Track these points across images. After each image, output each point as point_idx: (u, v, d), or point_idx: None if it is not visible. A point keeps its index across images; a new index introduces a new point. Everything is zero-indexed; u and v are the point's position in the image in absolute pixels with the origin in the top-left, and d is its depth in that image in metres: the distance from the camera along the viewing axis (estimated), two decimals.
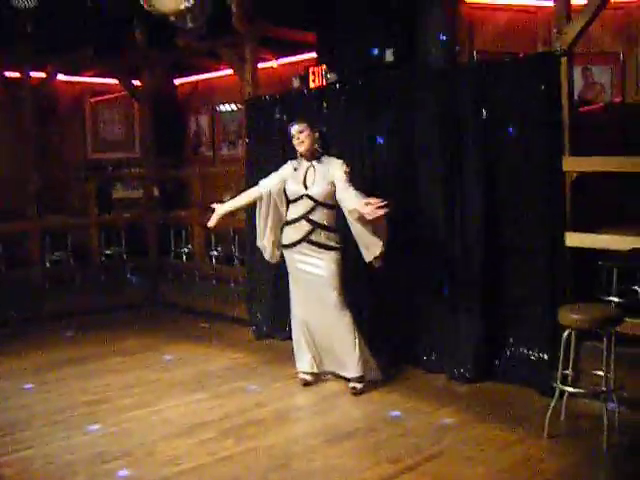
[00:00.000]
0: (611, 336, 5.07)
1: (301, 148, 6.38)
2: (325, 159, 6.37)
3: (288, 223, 6.42)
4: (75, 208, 11.56)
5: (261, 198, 6.53)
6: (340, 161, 6.32)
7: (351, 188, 6.11)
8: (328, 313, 6.29)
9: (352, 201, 6.04)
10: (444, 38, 7.49)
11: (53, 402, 6.30)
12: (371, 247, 6.15)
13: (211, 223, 6.84)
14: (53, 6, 8.89)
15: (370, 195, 6.00)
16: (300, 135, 6.35)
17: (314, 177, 6.33)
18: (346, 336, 6.26)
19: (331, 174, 6.23)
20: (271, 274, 8.04)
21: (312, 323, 6.45)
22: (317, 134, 6.41)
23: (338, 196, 6.19)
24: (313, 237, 6.30)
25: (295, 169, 6.44)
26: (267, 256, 6.67)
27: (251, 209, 7.35)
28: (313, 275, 6.33)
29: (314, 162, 6.37)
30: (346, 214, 6.15)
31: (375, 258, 6.17)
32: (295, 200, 6.38)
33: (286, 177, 6.46)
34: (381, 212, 5.79)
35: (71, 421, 5.82)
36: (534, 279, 6.20)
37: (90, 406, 6.16)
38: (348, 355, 6.28)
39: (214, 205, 6.76)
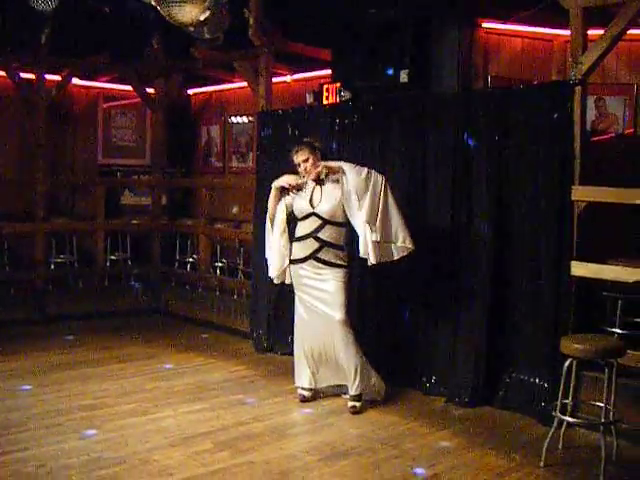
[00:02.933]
0: (612, 367, 5.05)
1: (309, 177, 6.37)
2: (331, 176, 6.36)
3: (297, 240, 6.41)
4: (82, 212, 11.57)
5: (280, 210, 6.50)
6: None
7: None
8: (332, 331, 6.26)
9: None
10: (459, 62, 7.51)
11: (50, 405, 6.29)
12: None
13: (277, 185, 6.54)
14: (71, 10, 8.94)
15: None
16: (306, 164, 6.36)
17: (320, 195, 6.33)
18: (349, 355, 6.23)
19: (340, 191, 6.21)
20: (275, 289, 8.03)
21: (315, 340, 6.42)
22: (319, 153, 6.42)
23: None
24: (320, 255, 6.29)
25: (299, 189, 6.44)
26: (273, 274, 6.59)
27: (259, 226, 7.41)
28: (319, 291, 6.31)
29: (320, 180, 6.38)
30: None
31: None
32: (303, 218, 6.38)
33: (290, 200, 6.47)
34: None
35: (67, 425, 5.80)
36: (538, 307, 6.18)
37: (87, 411, 6.15)
38: (349, 373, 6.26)
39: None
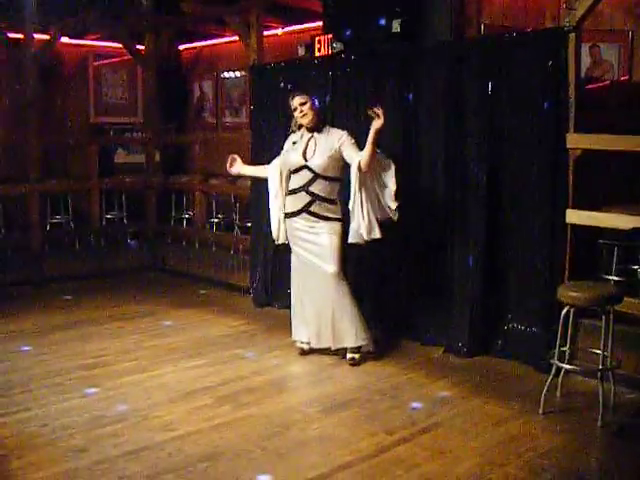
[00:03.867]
0: (609, 315, 5.08)
1: (305, 120, 6.33)
2: (326, 130, 6.34)
3: (290, 193, 6.40)
4: (76, 172, 11.52)
5: (271, 176, 6.56)
6: (344, 132, 6.28)
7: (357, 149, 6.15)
8: (326, 283, 6.27)
9: (358, 155, 6.07)
10: (452, 10, 7.42)
11: (50, 365, 6.32)
12: (389, 202, 6.16)
13: (233, 171, 6.81)
14: None
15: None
16: (303, 107, 6.30)
17: (314, 149, 6.29)
18: (344, 306, 6.25)
19: (334, 145, 6.20)
20: (272, 243, 8.03)
21: (311, 294, 6.43)
22: (317, 108, 6.38)
23: (346, 159, 6.17)
24: (313, 208, 6.27)
25: (294, 142, 6.42)
26: (274, 234, 6.66)
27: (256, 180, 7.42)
28: (313, 245, 6.31)
29: (315, 134, 6.34)
30: (354, 175, 6.06)
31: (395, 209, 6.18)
32: (296, 171, 6.36)
33: (284, 158, 6.49)
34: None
35: (68, 384, 5.84)
36: (534, 255, 6.19)
37: (87, 370, 6.18)
38: (346, 325, 6.27)
39: (236, 158, 6.77)
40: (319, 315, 6.41)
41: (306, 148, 6.32)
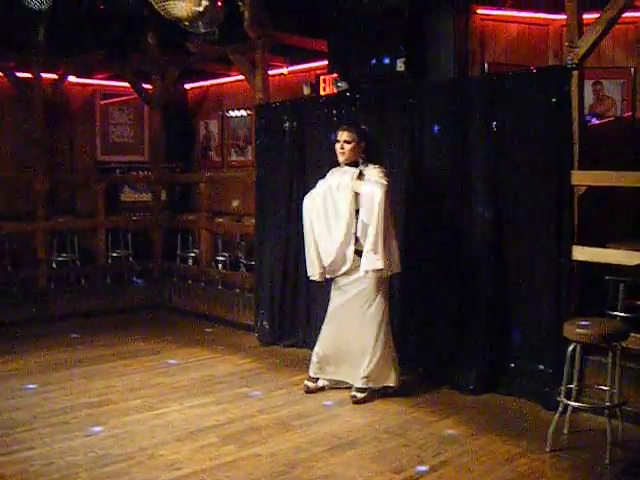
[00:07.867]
0: (616, 351, 5.06)
1: (340, 158, 6.31)
2: (367, 167, 6.26)
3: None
4: (83, 210, 11.56)
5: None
6: (379, 171, 6.21)
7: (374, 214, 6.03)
8: (364, 320, 6.24)
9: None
10: (455, 49, 7.49)
11: (56, 403, 6.29)
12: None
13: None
14: (67, 8, 8.93)
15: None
16: (345, 145, 6.25)
17: None
18: (373, 344, 6.24)
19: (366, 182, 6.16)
20: (278, 281, 8.05)
21: (341, 330, 6.38)
22: (364, 144, 6.30)
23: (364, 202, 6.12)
24: (357, 247, 6.20)
25: (331, 174, 6.43)
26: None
27: (261, 218, 7.38)
28: (353, 287, 6.27)
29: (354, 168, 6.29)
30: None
31: None
32: None
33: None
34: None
35: (73, 422, 5.81)
36: (541, 292, 6.18)
37: (93, 408, 6.16)
38: (365, 364, 6.26)
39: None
40: (343, 348, 6.39)
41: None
